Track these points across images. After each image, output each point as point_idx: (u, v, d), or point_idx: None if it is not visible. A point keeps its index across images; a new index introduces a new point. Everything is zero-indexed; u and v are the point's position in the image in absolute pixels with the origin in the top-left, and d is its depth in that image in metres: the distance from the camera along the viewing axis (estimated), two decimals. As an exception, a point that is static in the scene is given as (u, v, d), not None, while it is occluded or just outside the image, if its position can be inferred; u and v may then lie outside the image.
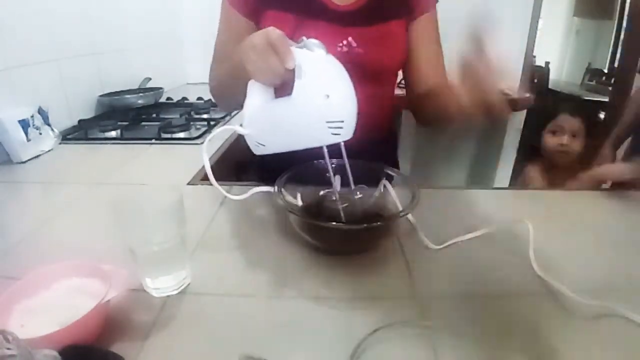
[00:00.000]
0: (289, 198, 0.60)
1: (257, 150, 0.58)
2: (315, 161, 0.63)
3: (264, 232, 0.63)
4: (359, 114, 0.54)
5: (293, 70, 0.51)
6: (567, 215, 0.70)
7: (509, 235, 0.59)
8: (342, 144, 0.55)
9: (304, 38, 0.53)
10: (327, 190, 0.65)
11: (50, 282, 0.43)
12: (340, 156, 0.57)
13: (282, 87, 0.54)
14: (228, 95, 0.77)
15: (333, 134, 0.52)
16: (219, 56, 0.82)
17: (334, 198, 0.60)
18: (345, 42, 0.76)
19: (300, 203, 0.63)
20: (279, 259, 0.56)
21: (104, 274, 0.42)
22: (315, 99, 0.51)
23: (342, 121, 0.52)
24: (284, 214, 0.67)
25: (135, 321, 0.44)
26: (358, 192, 0.62)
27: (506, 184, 2.22)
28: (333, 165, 0.57)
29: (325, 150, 0.55)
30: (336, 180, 0.60)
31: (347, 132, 0.53)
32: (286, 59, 0.50)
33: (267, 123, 0.56)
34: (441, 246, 0.57)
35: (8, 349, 0.26)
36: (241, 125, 0.58)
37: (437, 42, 0.83)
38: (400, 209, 0.58)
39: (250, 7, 0.76)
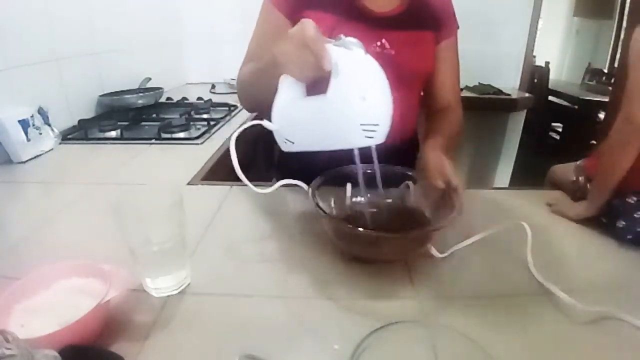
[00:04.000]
0: (322, 203, 0.58)
1: (285, 147, 0.56)
2: (344, 166, 0.61)
3: (263, 232, 0.63)
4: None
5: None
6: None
7: (507, 238, 0.58)
8: (374, 147, 0.53)
9: (342, 36, 0.51)
10: (356, 195, 0.62)
11: (50, 282, 0.43)
12: (367, 160, 0.55)
13: (315, 85, 0.52)
14: (256, 95, 0.76)
15: (366, 137, 0.50)
16: (253, 55, 0.80)
17: (363, 203, 0.58)
18: (379, 43, 0.77)
19: (334, 208, 0.61)
20: (278, 259, 0.56)
21: (104, 274, 0.42)
22: (351, 100, 0.49)
23: (377, 124, 0.49)
24: (284, 214, 0.67)
25: (135, 321, 0.44)
26: (388, 198, 0.61)
27: (506, 183, 2.22)
28: (362, 171, 0.55)
29: (357, 152, 0.53)
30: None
31: (380, 136, 0.51)
32: (321, 58, 0.48)
33: (298, 120, 0.54)
34: (444, 255, 0.55)
35: (8, 349, 0.26)
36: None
37: (457, 66, 0.90)
38: (429, 215, 0.57)
39: (291, 7, 0.76)
